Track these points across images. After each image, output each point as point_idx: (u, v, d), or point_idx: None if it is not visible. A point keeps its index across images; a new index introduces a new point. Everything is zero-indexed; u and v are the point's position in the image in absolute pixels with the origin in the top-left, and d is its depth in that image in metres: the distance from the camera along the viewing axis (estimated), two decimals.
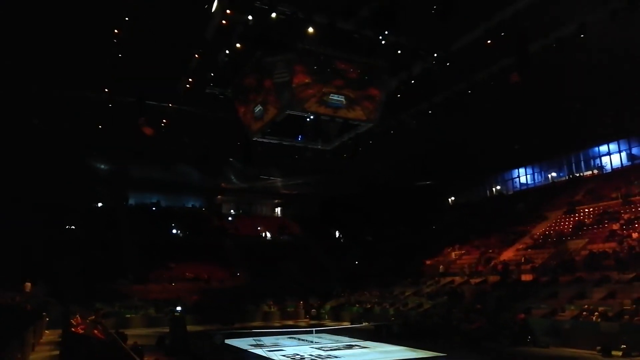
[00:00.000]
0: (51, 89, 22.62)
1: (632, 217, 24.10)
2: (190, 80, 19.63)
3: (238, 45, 17.31)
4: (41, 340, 20.13)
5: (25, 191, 31.51)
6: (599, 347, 15.41)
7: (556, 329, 17.81)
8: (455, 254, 32.26)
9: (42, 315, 22.61)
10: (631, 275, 19.05)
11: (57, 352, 14.85)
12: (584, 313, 17.69)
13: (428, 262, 33.33)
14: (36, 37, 18.90)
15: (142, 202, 44.54)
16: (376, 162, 33.44)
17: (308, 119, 19.02)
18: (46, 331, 22.88)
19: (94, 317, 23.46)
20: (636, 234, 21.98)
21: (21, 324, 14.24)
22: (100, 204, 42.07)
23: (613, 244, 22.24)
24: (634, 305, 16.78)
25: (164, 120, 23.90)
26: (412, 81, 19.95)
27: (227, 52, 17.79)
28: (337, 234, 49.72)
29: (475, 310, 21.69)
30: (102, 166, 37.81)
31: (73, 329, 16.72)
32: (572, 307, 18.67)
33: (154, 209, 44.35)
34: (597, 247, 22.81)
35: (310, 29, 16.21)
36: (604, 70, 22.51)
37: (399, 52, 18.22)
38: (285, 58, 16.19)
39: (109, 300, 28.57)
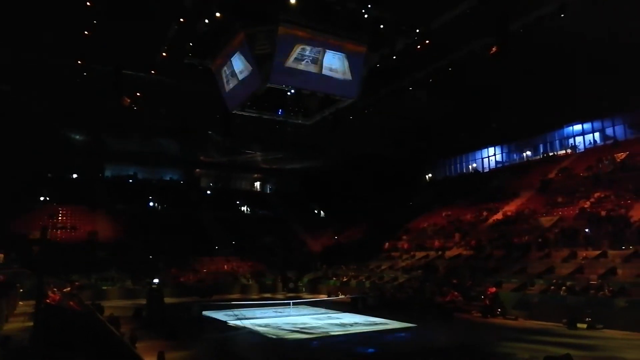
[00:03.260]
0: (23, 55, 21.76)
1: (602, 195, 24.82)
2: (166, 48, 19.09)
3: (218, 14, 16.87)
4: (15, 312, 19.92)
5: None
6: (565, 320, 16.06)
7: (525, 302, 18.48)
8: (430, 229, 32.81)
9: (16, 286, 22.33)
10: (598, 252, 19.74)
11: (31, 324, 14.70)
12: (552, 287, 18.34)
13: (404, 236, 33.84)
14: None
15: (119, 174, 43.80)
16: (355, 138, 33.47)
17: (289, 93, 18.85)
18: (20, 302, 22.65)
19: (69, 288, 23.34)
20: (604, 211, 22.67)
21: None
22: (75, 175, 41.19)
23: (583, 222, 22.92)
24: (600, 280, 17.44)
25: (140, 92, 23.30)
26: (394, 57, 19.82)
27: (207, 21, 17.33)
28: (316, 208, 49.94)
29: (448, 283, 22.26)
30: (77, 137, 36.86)
31: (48, 300, 16.60)
32: (541, 282, 19.31)
33: (130, 181, 43.69)
34: (568, 224, 23.48)
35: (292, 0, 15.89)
36: (581, 51, 22.77)
37: (382, 26, 18.05)
38: (266, 29, 15.87)
39: (84, 272, 28.32)
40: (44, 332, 10.89)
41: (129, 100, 20.97)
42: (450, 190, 38.18)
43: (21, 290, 23.33)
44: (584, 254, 20.08)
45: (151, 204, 41.44)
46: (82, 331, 10.47)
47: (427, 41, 19.53)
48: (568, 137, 34.49)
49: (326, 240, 41.30)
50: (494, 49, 17.76)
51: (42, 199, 36.53)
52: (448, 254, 27.24)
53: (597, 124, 32.70)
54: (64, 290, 22.49)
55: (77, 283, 25.99)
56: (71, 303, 16.45)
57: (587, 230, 21.73)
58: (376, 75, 21.03)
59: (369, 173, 41.97)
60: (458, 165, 43.26)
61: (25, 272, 25.75)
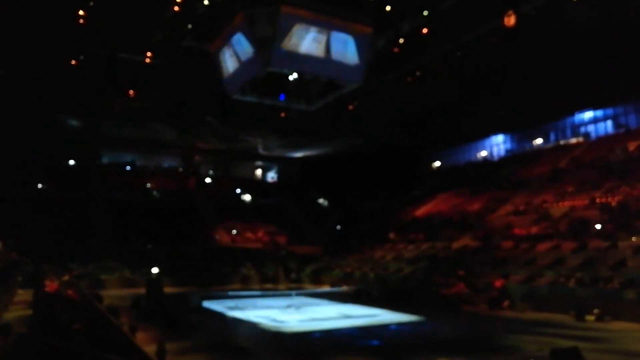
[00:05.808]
0: (18, 39, 21.17)
1: (613, 185, 24.29)
2: (163, 30, 18.51)
3: None
4: (15, 300, 19.70)
5: None
6: (573, 312, 15.73)
7: (533, 294, 18.10)
8: (437, 219, 32.34)
9: (15, 274, 22.07)
10: (608, 243, 19.26)
11: (31, 312, 14.44)
12: (561, 279, 17.92)
13: (410, 226, 33.36)
14: None
15: (116, 161, 43.31)
16: (360, 125, 32.93)
17: (291, 77, 18.27)
18: (20, 291, 22.42)
19: (67, 277, 23.04)
20: (615, 202, 22.17)
21: None
22: (71, 162, 40.72)
23: (593, 212, 22.43)
24: (609, 272, 16.99)
25: (136, 76, 22.78)
26: (400, 40, 19.20)
27: (206, 1, 16.73)
28: (318, 197, 49.43)
29: (454, 275, 21.84)
30: (73, 122, 36.32)
31: (46, 289, 16.34)
32: (550, 273, 18.88)
33: (128, 168, 43.23)
34: (578, 214, 23.00)
35: None
36: (593, 38, 22.24)
37: (388, 8, 17.43)
38: (267, 9, 15.25)
39: (82, 261, 27.95)
40: (43, 320, 10.69)
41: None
42: (458, 178, 37.57)
43: (20, 278, 23.07)
44: (594, 245, 19.59)
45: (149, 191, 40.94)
46: (82, 320, 10.25)
47: (434, 24, 18.91)
48: (580, 125, 33.77)
49: (329, 230, 40.85)
50: (510, 20, 16.90)
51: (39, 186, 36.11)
52: (455, 244, 26.79)
53: (609, 111, 31.94)
54: (62, 278, 22.18)
55: (74, 272, 25.67)
56: (70, 292, 16.16)
57: (597, 226, 21.21)
58: (382, 59, 20.43)
59: (373, 161, 41.42)
60: (467, 153, 42.52)
61: (24, 260, 25.44)
